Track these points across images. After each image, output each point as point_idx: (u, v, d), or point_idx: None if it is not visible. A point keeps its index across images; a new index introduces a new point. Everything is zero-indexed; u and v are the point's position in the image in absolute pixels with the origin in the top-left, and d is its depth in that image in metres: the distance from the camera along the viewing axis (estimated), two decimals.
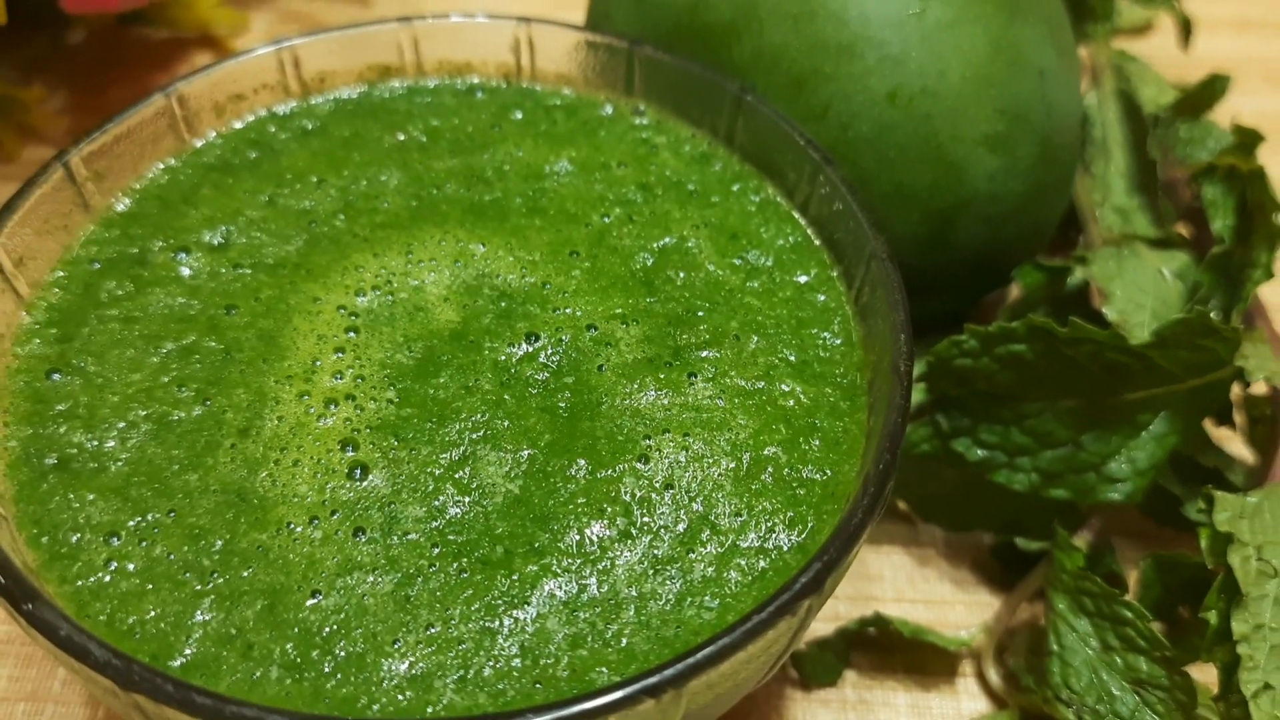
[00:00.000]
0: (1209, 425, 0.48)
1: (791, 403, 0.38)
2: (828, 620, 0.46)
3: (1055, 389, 0.43)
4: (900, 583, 0.48)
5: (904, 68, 0.45)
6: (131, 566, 0.33)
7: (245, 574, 0.33)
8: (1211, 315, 0.42)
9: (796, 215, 0.42)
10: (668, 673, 0.29)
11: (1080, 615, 0.40)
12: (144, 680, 0.28)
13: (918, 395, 0.45)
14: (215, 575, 0.33)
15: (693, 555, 0.34)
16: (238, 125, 0.44)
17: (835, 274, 0.41)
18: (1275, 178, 0.49)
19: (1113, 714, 0.39)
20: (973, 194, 0.46)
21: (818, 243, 0.42)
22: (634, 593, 0.33)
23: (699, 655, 0.29)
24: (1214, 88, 0.56)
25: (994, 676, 0.44)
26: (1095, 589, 0.40)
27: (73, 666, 0.29)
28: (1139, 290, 0.47)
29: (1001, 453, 0.44)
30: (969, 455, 0.44)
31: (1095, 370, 0.42)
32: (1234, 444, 0.50)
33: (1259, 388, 0.48)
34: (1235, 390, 0.46)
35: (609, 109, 0.46)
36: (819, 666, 0.44)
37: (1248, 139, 0.50)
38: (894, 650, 0.46)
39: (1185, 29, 0.65)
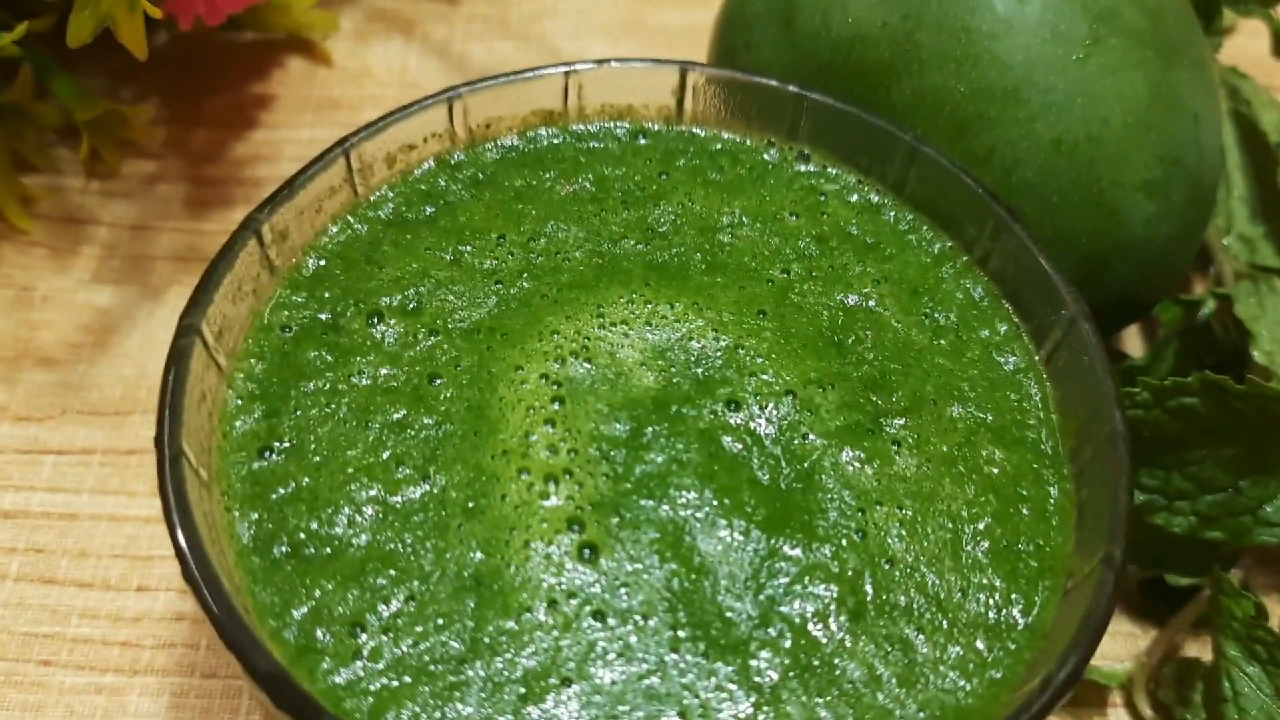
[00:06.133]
0: None
1: (995, 470, 0.38)
2: None
3: (1219, 438, 0.44)
4: None
5: (1069, 114, 0.45)
6: (382, 661, 0.33)
7: (496, 664, 0.33)
8: None
9: (976, 269, 0.43)
10: None
11: (1252, 662, 0.42)
12: None
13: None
14: (466, 667, 0.33)
15: (927, 635, 0.35)
16: (410, 177, 0.43)
17: (1023, 332, 0.41)
18: None
19: None
20: (1129, 238, 0.46)
21: (1001, 299, 0.42)
22: (877, 674, 0.34)
23: None
24: None
25: (1146, 709, 0.46)
26: (1269, 638, 0.42)
27: None
28: None
29: (1161, 497, 0.45)
30: None
31: (1260, 420, 0.43)
32: None
33: None
34: None
35: (773, 154, 0.46)
36: None
37: None
38: None
39: (1279, 38, 0.65)
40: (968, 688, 0.34)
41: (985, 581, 0.36)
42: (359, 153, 0.41)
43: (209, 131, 0.61)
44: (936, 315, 0.42)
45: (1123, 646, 0.48)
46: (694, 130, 0.46)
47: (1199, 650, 0.47)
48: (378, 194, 0.43)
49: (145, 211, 0.58)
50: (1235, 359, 0.50)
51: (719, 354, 0.40)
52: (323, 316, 0.40)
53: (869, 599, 0.35)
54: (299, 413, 0.38)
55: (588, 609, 0.34)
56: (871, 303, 0.42)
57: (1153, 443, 0.44)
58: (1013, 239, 0.41)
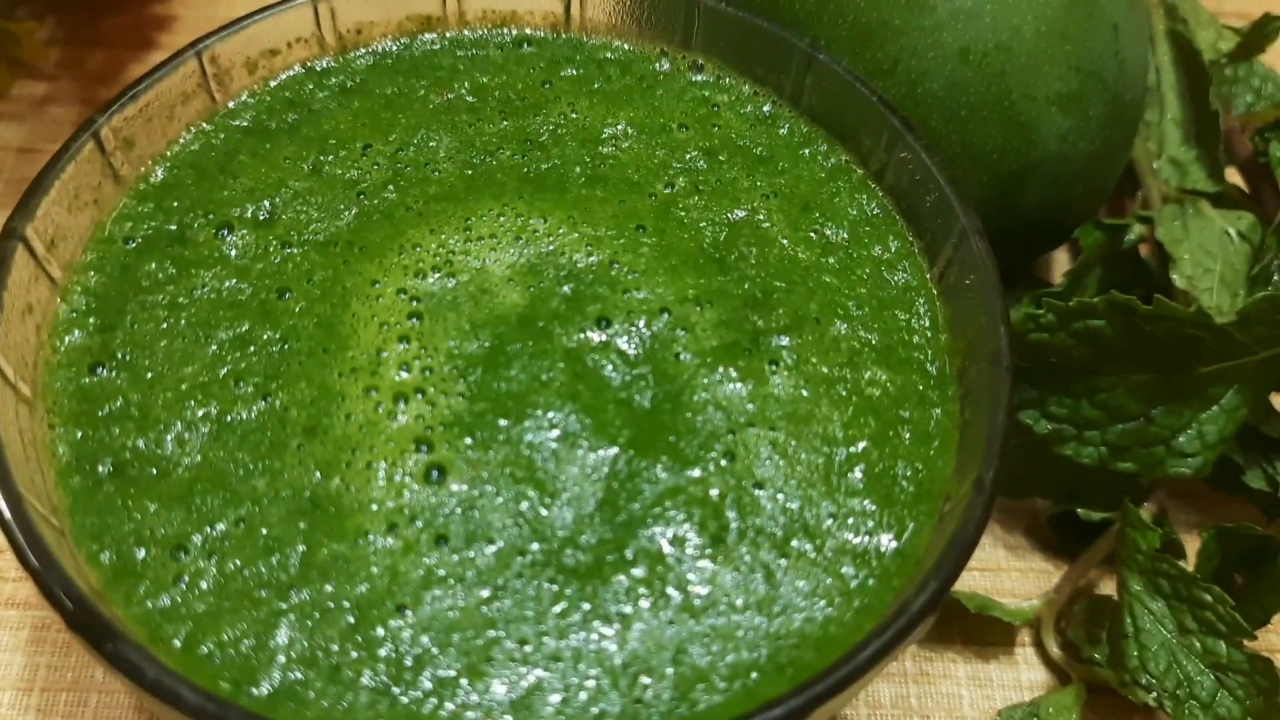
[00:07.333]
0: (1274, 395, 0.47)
1: (877, 392, 0.36)
2: None
3: (1130, 363, 0.41)
4: None
5: (978, 22, 0.42)
6: (204, 584, 0.31)
7: (326, 589, 0.31)
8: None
9: (871, 184, 0.40)
10: (792, 704, 0.28)
11: (1156, 597, 0.40)
12: None
13: None
14: (294, 591, 0.31)
15: (791, 561, 0.33)
16: (272, 84, 0.41)
17: (916, 250, 0.39)
18: None
19: (1191, 698, 0.38)
20: (1043, 155, 0.44)
21: (895, 215, 0.40)
22: (735, 602, 0.32)
23: (819, 686, 0.28)
24: (1265, 29, 0.55)
25: (1054, 647, 0.44)
26: (1173, 571, 0.40)
27: (161, 710, 0.28)
28: (1206, 254, 0.46)
29: (1070, 426, 0.43)
30: (1037, 428, 0.43)
31: (1171, 345, 0.41)
32: None
33: None
34: None
35: (665, 64, 0.43)
36: None
37: None
38: (951, 620, 0.45)
39: None
40: (831, 615, 0.32)
41: (858, 507, 0.34)
42: (213, 55, 0.39)
43: (106, 53, 0.58)
44: (826, 231, 0.40)
45: (1033, 584, 0.46)
46: (582, 38, 0.44)
47: (1114, 588, 0.45)
48: (236, 101, 0.40)
49: (34, 134, 0.55)
50: (1164, 291, 0.48)
51: (592, 270, 0.38)
52: (169, 228, 0.37)
53: (732, 525, 0.33)
54: (135, 327, 0.35)
55: (430, 533, 0.32)
56: (760, 218, 0.40)
57: (1061, 369, 0.42)
58: (907, 151, 0.39)
